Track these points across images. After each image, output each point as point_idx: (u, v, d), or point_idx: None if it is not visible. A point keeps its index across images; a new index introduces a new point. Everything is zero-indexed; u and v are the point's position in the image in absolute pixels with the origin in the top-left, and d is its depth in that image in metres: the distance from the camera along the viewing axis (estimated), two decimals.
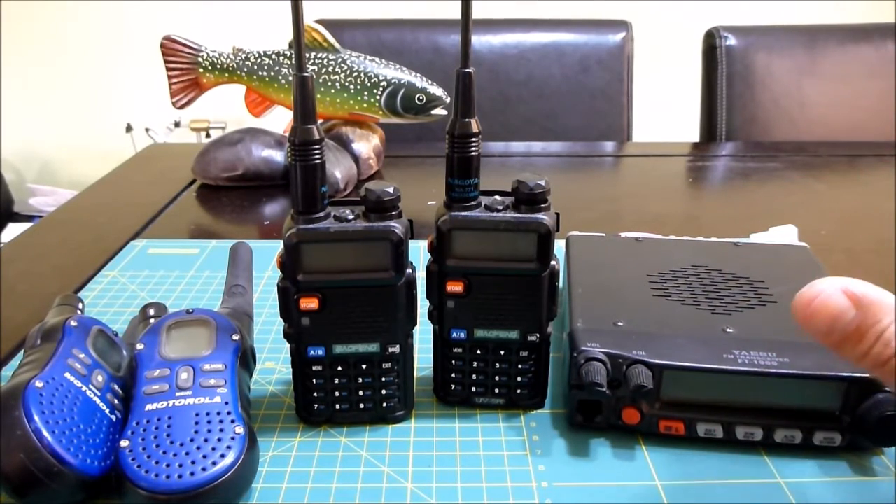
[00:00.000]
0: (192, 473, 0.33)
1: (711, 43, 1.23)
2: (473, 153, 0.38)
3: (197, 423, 0.35)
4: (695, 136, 1.29)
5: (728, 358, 0.39)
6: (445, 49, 1.21)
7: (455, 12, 0.38)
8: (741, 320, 0.43)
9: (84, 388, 0.36)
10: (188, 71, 0.83)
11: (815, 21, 1.32)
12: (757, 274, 0.48)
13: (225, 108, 1.42)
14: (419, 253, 0.58)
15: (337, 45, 0.81)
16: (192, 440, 0.34)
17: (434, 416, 0.43)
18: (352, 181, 0.83)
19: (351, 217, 0.38)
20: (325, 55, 0.80)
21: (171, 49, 0.82)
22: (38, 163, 2.30)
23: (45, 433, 0.33)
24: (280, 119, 0.85)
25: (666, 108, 1.78)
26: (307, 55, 0.66)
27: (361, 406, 0.42)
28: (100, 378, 0.38)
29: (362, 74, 0.80)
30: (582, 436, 0.42)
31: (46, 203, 2.10)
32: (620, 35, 1.24)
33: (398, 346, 0.41)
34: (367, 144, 0.86)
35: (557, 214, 0.39)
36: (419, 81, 0.81)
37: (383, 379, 0.41)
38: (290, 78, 0.73)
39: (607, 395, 0.39)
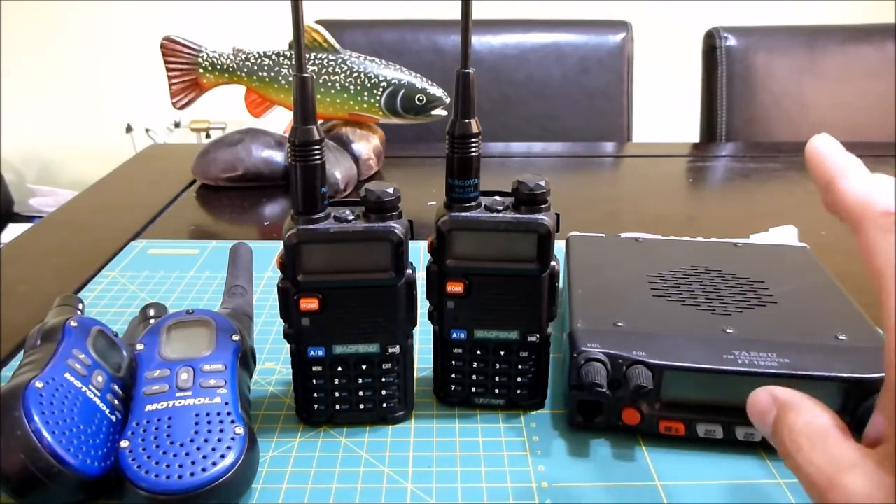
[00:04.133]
0: (192, 474, 0.33)
1: (711, 43, 1.23)
2: (473, 154, 0.38)
3: (197, 423, 0.35)
4: (695, 136, 1.29)
5: (728, 358, 0.39)
6: (445, 49, 1.21)
7: (455, 12, 0.38)
8: (741, 321, 0.43)
9: (84, 389, 0.36)
10: (188, 71, 0.83)
11: (815, 21, 1.32)
12: (757, 274, 0.48)
13: (225, 108, 1.42)
14: (419, 253, 0.58)
15: (337, 46, 0.81)
16: (192, 441, 0.35)
17: (434, 417, 0.43)
18: (352, 181, 0.83)
19: (351, 217, 0.38)
20: (325, 56, 0.80)
21: (171, 49, 0.82)
22: (38, 163, 2.30)
23: (45, 433, 0.33)
24: (280, 119, 0.85)
25: (666, 109, 1.78)
26: (307, 56, 0.66)
27: (361, 406, 0.42)
28: (100, 378, 0.38)
29: (362, 75, 0.80)
30: (582, 436, 0.42)
31: (46, 203, 2.10)
32: (620, 35, 1.24)
33: (398, 346, 0.41)
34: (367, 145, 0.86)
35: (557, 215, 0.39)
36: (419, 82, 0.81)
37: (383, 379, 0.41)
38: (290, 78, 0.73)
39: (607, 396, 0.39)
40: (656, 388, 0.39)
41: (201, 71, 0.83)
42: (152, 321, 0.44)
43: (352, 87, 0.80)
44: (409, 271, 0.40)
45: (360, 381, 0.41)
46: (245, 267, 0.52)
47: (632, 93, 1.26)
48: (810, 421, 0.27)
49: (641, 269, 0.49)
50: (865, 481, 0.23)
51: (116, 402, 0.38)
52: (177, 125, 2.11)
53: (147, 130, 2.15)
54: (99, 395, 0.37)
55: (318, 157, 0.37)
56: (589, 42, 1.24)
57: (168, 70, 0.83)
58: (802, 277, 0.49)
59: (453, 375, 0.43)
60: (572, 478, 0.38)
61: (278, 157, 0.84)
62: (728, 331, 0.41)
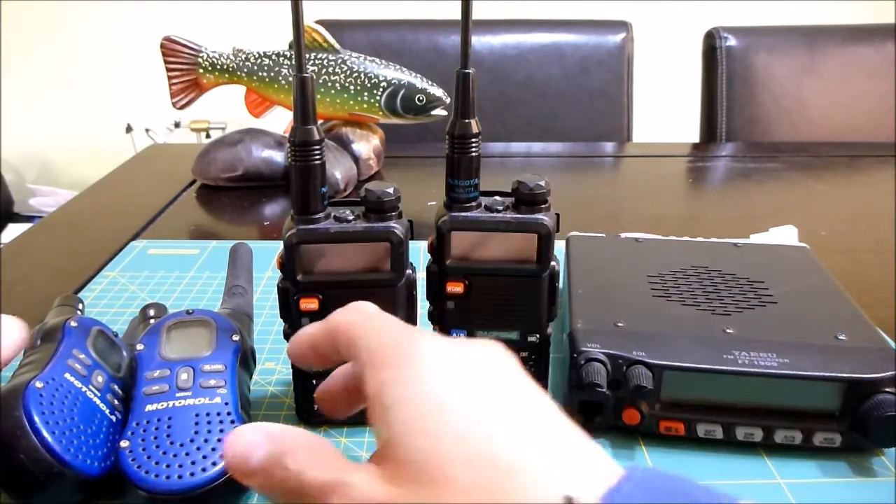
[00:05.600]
0: (192, 474, 0.33)
1: (711, 43, 1.23)
2: (473, 154, 0.38)
3: (197, 423, 0.35)
4: (695, 136, 1.29)
5: (728, 358, 0.39)
6: (445, 49, 1.21)
7: (455, 12, 0.38)
8: (741, 321, 0.43)
9: (84, 389, 0.36)
10: (188, 71, 0.83)
11: (815, 21, 1.32)
12: (757, 275, 0.48)
13: (225, 108, 1.42)
14: (419, 254, 0.58)
15: (337, 46, 0.81)
16: (192, 440, 0.34)
17: None
18: (352, 182, 0.83)
19: (351, 218, 0.38)
20: (325, 56, 0.80)
21: (171, 49, 0.82)
22: (38, 163, 2.30)
23: (45, 434, 0.33)
24: (280, 119, 0.85)
25: (666, 109, 1.78)
26: (307, 56, 0.66)
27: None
28: (100, 378, 0.38)
29: (362, 75, 0.80)
30: None
31: (46, 203, 2.10)
32: (620, 35, 1.24)
33: None
34: (367, 145, 0.86)
35: (557, 215, 0.39)
36: (419, 82, 0.81)
37: None
38: (290, 78, 0.73)
39: (607, 396, 0.39)
40: (656, 388, 0.39)
41: (201, 71, 0.83)
42: (152, 321, 0.44)
43: (352, 87, 0.80)
44: (409, 271, 0.40)
45: None
46: (245, 267, 0.52)
47: (632, 93, 1.26)
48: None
49: (641, 269, 0.49)
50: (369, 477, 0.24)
51: (116, 402, 0.38)
52: (177, 125, 2.11)
53: (147, 130, 2.15)
54: (99, 395, 0.37)
55: (317, 157, 0.37)
56: (589, 42, 1.24)
57: (168, 70, 0.83)
58: (802, 277, 0.49)
59: None
60: None
61: (278, 157, 0.84)
62: (728, 331, 0.41)
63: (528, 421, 0.24)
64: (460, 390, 0.24)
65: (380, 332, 0.28)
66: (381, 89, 0.80)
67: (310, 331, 0.32)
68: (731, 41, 1.22)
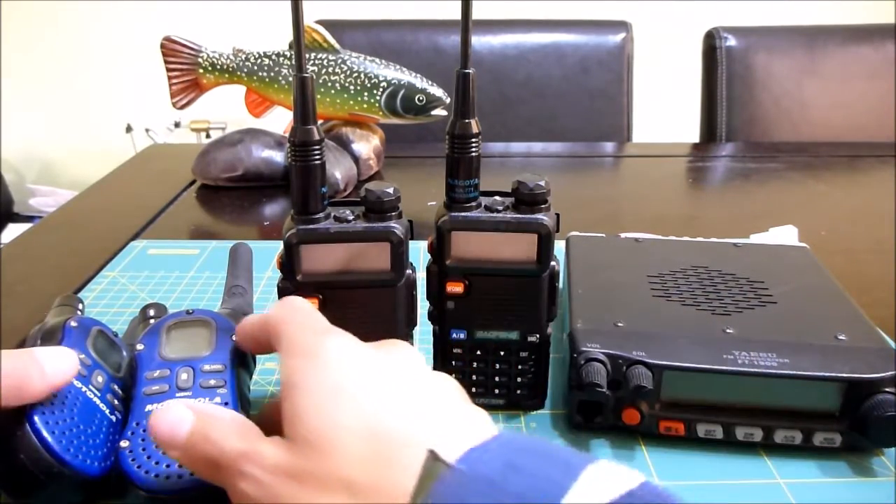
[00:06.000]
0: (192, 473, 0.33)
1: (711, 43, 1.23)
2: (473, 154, 0.38)
3: None
4: (695, 136, 1.29)
5: (728, 358, 0.39)
6: (445, 49, 1.21)
7: (455, 12, 0.38)
8: (741, 321, 0.43)
9: (84, 389, 0.36)
10: (188, 71, 0.83)
11: (815, 21, 1.32)
12: (757, 274, 0.48)
13: (225, 108, 1.42)
14: (419, 254, 0.58)
15: (337, 46, 0.81)
16: None
17: None
18: (352, 182, 0.83)
19: (351, 218, 0.38)
20: (325, 56, 0.80)
21: (171, 49, 0.82)
22: (38, 163, 2.30)
23: (45, 433, 0.33)
24: (280, 119, 0.85)
25: (666, 109, 1.78)
26: (307, 56, 0.66)
27: None
28: (100, 378, 0.38)
29: (362, 75, 0.80)
30: (582, 436, 0.42)
31: (46, 203, 2.10)
32: (620, 35, 1.24)
33: None
34: (367, 145, 0.86)
35: (557, 215, 0.39)
36: (419, 82, 0.81)
37: None
38: (290, 78, 0.73)
39: (607, 396, 0.39)
40: (656, 388, 0.39)
41: (201, 71, 0.83)
42: (152, 321, 0.44)
43: (352, 87, 0.80)
44: (409, 271, 0.40)
45: None
46: (245, 267, 0.52)
47: (632, 93, 1.26)
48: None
49: (641, 269, 0.49)
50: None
51: (116, 402, 0.38)
52: (177, 125, 2.11)
53: (147, 130, 2.15)
54: (99, 395, 0.37)
55: (318, 157, 0.37)
56: (589, 42, 1.24)
57: (168, 70, 0.83)
58: (802, 277, 0.49)
59: (453, 375, 0.43)
60: None
61: (278, 157, 0.84)
62: (728, 331, 0.41)
63: (415, 400, 0.29)
64: (355, 379, 0.29)
65: (298, 328, 0.33)
66: (381, 89, 0.80)
67: (251, 321, 0.37)
68: (731, 41, 1.22)
